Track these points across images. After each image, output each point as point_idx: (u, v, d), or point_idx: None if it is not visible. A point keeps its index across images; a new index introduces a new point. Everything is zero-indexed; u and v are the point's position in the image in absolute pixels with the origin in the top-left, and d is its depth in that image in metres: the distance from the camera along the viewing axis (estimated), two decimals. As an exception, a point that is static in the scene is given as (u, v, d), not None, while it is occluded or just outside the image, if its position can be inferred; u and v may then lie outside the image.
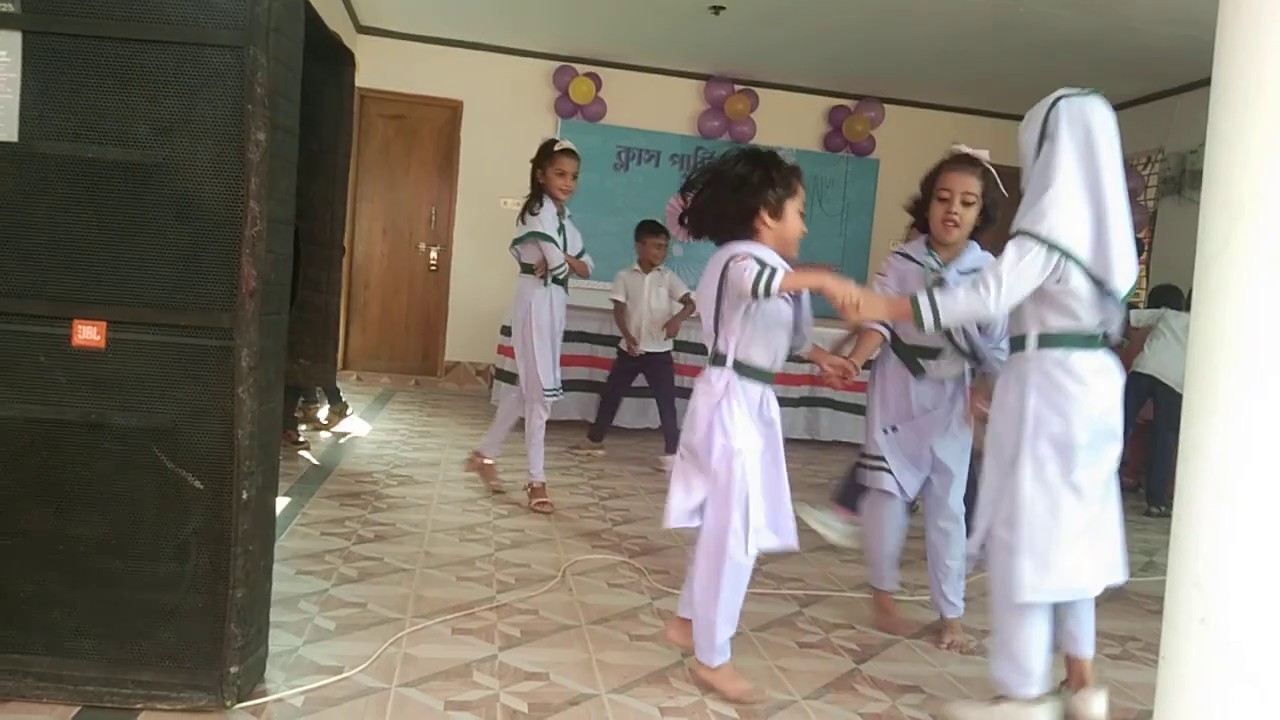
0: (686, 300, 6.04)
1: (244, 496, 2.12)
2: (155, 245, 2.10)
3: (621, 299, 6.08)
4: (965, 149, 2.95)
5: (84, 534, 2.13)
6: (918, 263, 3.07)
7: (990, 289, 2.26)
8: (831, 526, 3.59)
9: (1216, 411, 1.20)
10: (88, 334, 2.11)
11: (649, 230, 6.18)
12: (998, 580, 2.36)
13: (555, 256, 4.37)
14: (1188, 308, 5.56)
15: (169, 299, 2.11)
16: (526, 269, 4.45)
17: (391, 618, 2.88)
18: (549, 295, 4.42)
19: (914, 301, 2.37)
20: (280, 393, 2.36)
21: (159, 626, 2.15)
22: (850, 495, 3.59)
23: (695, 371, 6.41)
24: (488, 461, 4.72)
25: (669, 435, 5.74)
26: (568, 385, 6.60)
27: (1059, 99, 2.40)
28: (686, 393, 6.13)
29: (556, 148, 4.45)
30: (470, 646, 2.73)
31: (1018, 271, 2.24)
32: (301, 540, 3.61)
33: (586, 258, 4.65)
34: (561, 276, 4.44)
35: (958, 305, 2.32)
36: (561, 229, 4.44)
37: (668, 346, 6.12)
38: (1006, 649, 2.37)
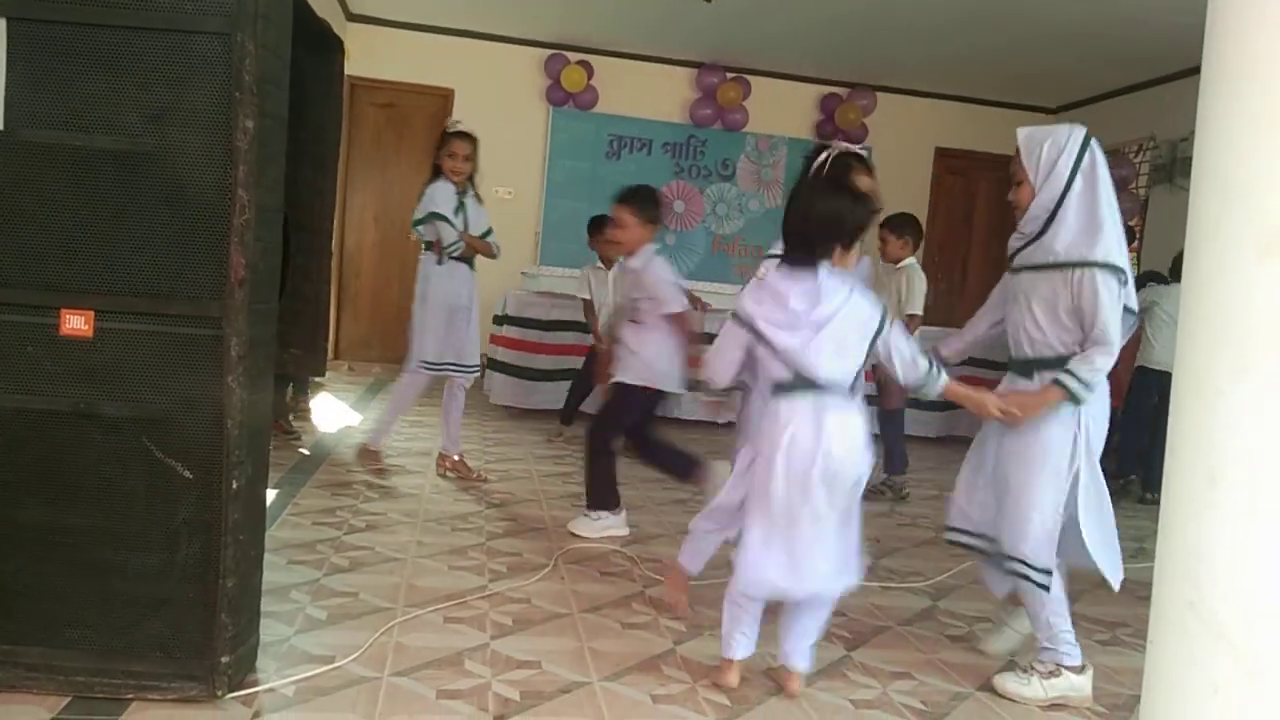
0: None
1: (234, 486, 2.12)
2: (143, 234, 2.09)
3: (588, 296, 6.02)
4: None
5: (74, 524, 2.12)
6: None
7: (1110, 340, 2.50)
8: None
9: (1206, 395, 1.21)
10: (75, 323, 2.10)
11: (601, 226, 6.04)
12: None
13: (448, 235, 4.46)
14: (1175, 278, 5.53)
15: (157, 288, 2.10)
16: (428, 247, 4.54)
17: (383, 607, 2.88)
18: (448, 273, 4.48)
19: (1061, 384, 2.53)
20: (270, 382, 2.36)
21: (150, 616, 2.15)
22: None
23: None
24: (456, 458, 4.74)
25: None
26: (560, 375, 6.62)
27: (1090, 137, 2.62)
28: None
29: (449, 129, 4.56)
30: (462, 635, 2.73)
31: (1116, 308, 2.50)
32: (293, 530, 3.60)
33: (493, 239, 4.73)
34: (456, 254, 4.50)
35: (1098, 371, 2.52)
36: (461, 209, 4.51)
37: None
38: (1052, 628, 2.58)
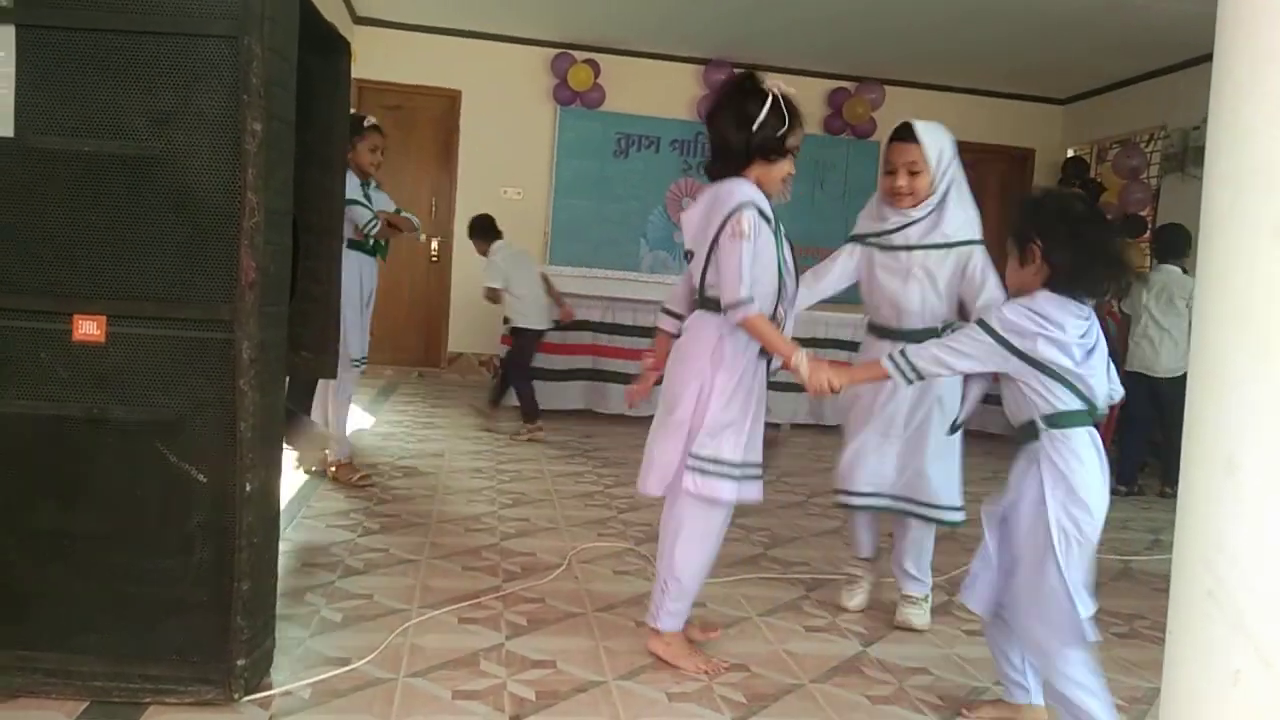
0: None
1: (247, 489, 2.12)
2: (153, 238, 2.09)
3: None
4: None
5: (89, 529, 2.13)
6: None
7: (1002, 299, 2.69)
8: None
9: (1223, 382, 1.19)
10: (88, 329, 2.10)
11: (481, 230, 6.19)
12: None
13: (362, 216, 4.49)
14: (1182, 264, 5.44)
15: (168, 292, 2.10)
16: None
17: (398, 608, 2.88)
18: (356, 264, 4.47)
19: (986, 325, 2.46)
20: (283, 385, 2.36)
21: (165, 620, 2.15)
22: None
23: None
24: (344, 462, 4.49)
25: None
26: (574, 375, 6.62)
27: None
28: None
29: (367, 124, 4.57)
30: (477, 636, 2.73)
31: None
32: (307, 533, 3.61)
33: (406, 214, 4.88)
34: (374, 232, 4.54)
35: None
36: (367, 198, 4.57)
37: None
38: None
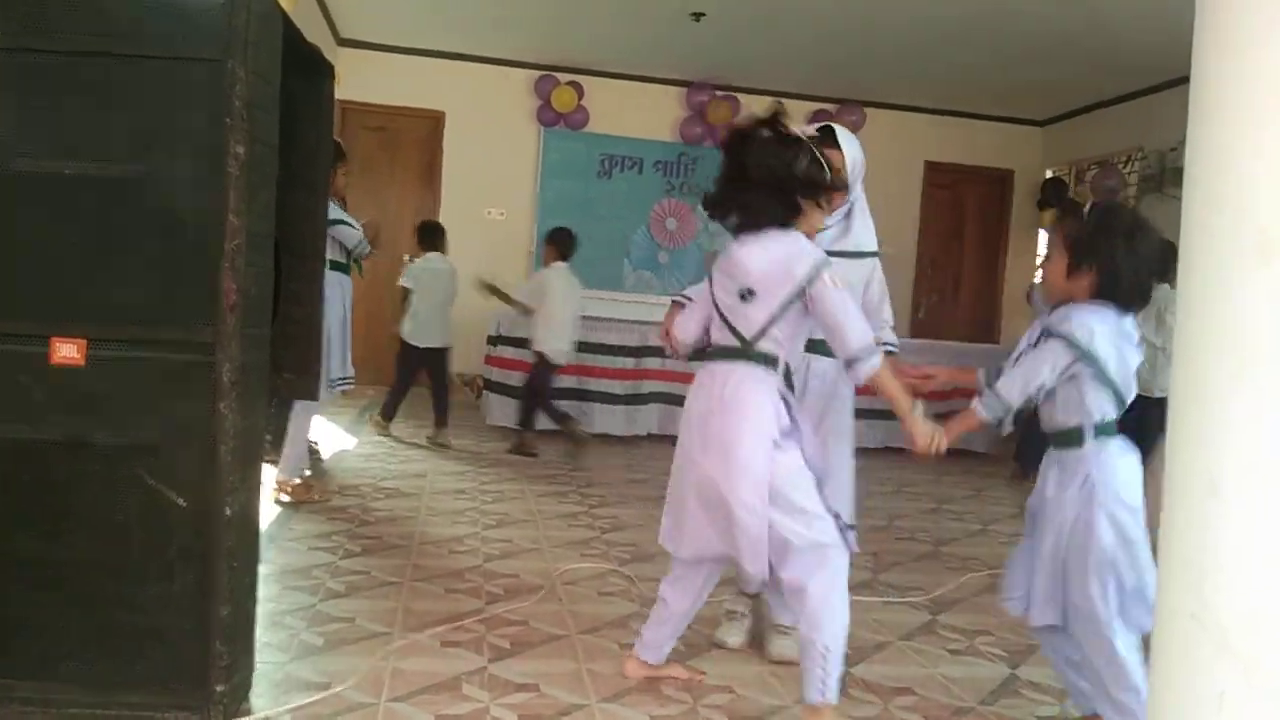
0: None
1: (228, 513, 2.10)
2: (134, 261, 2.09)
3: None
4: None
5: (67, 556, 2.11)
6: None
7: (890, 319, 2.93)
8: None
9: (1205, 402, 1.20)
10: (67, 352, 2.09)
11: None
12: None
13: (351, 236, 4.63)
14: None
15: (149, 315, 2.09)
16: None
17: (379, 632, 2.86)
18: (336, 283, 4.49)
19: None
20: (264, 408, 2.35)
21: (145, 647, 2.13)
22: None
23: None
24: (296, 482, 4.45)
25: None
26: (555, 394, 6.61)
27: None
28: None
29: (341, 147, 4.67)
30: (460, 659, 2.71)
31: None
32: (288, 555, 3.58)
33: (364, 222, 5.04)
34: (363, 252, 4.73)
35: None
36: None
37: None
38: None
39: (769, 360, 2.40)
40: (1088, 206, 2.52)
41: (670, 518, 2.62)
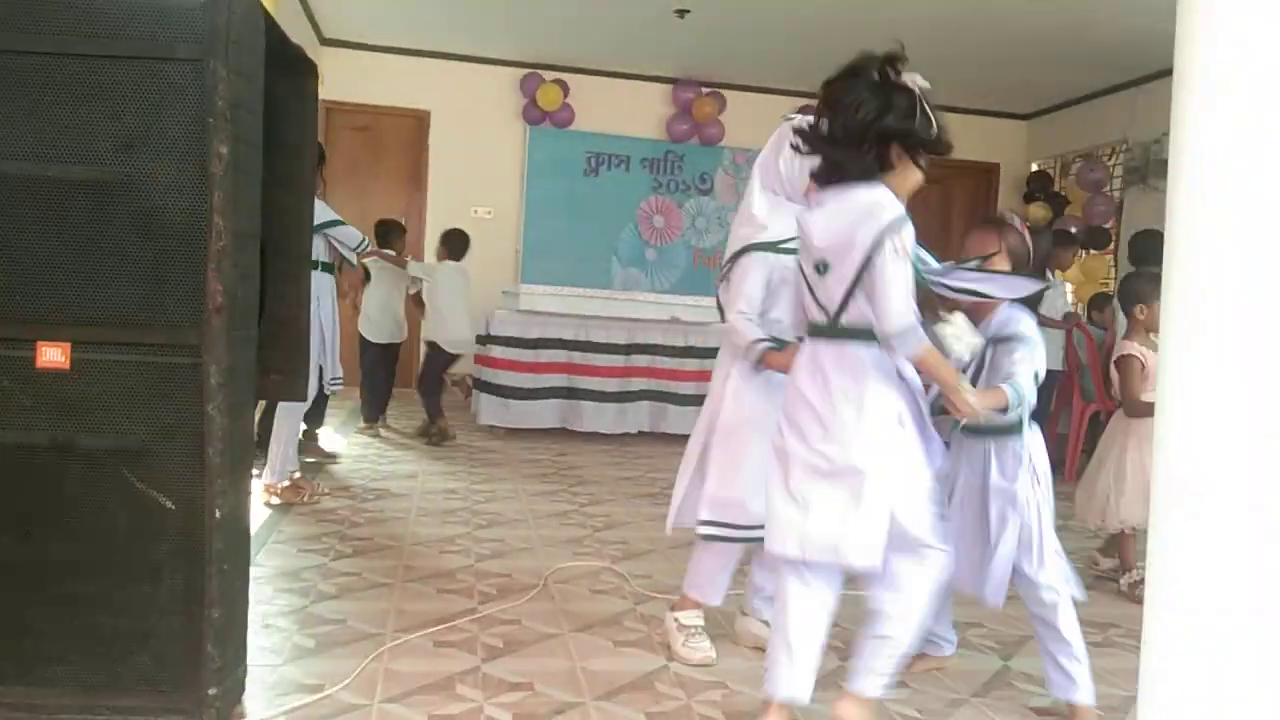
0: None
1: (217, 515, 2.09)
2: (119, 263, 2.07)
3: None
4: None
5: (54, 559, 2.09)
6: None
7: None
8: None
9: (1191, 396, 1.21)
10: (52, 355, 2.07)
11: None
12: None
13: (353, 235, 4.68)
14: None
15: (134, 317, 2.08)
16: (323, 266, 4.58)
17: (372, 633, 2.85)
18: (319, 285, 4.47)
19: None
20: (252, 409, 2.34)
21: (134, 650, 2.11)
22: None
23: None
24: (285, 485, 4.44)
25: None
26: (546, 393, 6.61)
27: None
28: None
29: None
30: (453, 659, 2.70)
31: None
32: (279, 558, 3.56)
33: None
34: (365, 249, 4.89)
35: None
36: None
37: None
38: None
39: (868, 335, 2.16)
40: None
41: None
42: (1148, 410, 3.73)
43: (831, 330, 2.21)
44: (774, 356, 2.62)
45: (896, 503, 2.14)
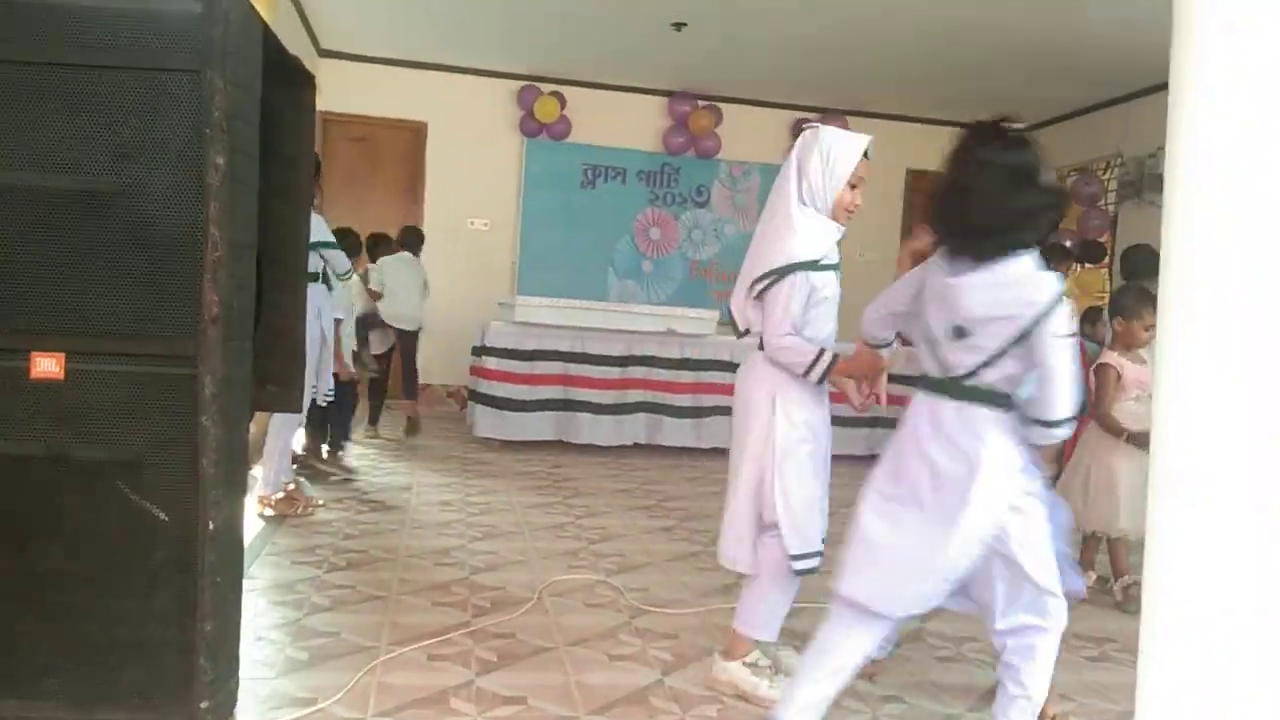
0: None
1: (210, 527, 2.08)
2: (114, 274, 2.06)
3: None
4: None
5: (48, 570, 2.08)
6: None
7: None
8: None
9: (1188, 405, 1.21)
10: (46, 366, 2.06)
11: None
12: None
13: (343, 262, 4.75)
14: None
15: (129, 328, 2.07)
16: (309, 278, 4.39)
17: (365, 646, 2.83)
18: (315, 299, 4.47)
19: None
20: (247, 420, 2.33)
21: (127, 663, 2.10)
22: None
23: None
24: (279, 497, 4.43)
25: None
26: (541, 405, 6.60)
27: None
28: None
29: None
30: (446, 673, 2.69)
31: None
32: (272, 570, 3.55)
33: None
34: (348, 279, 4.94)
35: None
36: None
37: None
38: None
39: (994, 398, 2.13)
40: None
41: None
42: (1114, 427, 3.80)
43: (953, 389, 2.16)
44: (843, 365, 2.59)
45: (1022, 554, 2.13)
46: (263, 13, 2.26)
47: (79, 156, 2.04)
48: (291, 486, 4.50)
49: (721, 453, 7.06)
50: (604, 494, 5.34)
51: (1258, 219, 1.14)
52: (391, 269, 6.75)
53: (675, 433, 6.82)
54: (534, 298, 7.24)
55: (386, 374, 6.96)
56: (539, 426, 6.60)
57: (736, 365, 6.96)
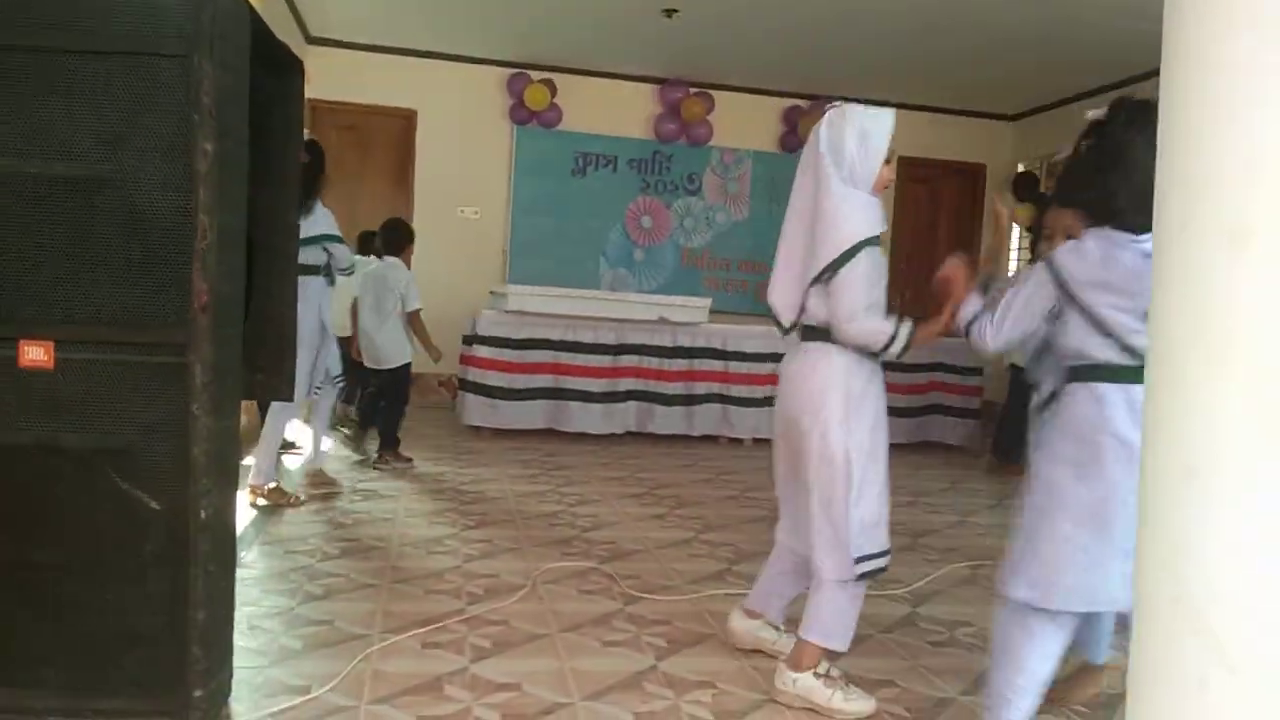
0: None
1: (202, 515, 2.07)
2: (103, 261, 2.05)
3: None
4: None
5: (39, 560, 2.07)
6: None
7: None
8: None
9: (1180, 389, 1.21)
10: (35, 355, 2.05)
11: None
12: None
13: (346, 257, 4.77)
14: None
15: (119, 315, 2.05)
16: (310, 270, 4.42)
17: (359, 634, 2.83)
18: (316, 291, 4.54)
19: None
20: (238, 408, 2.32)
21: (120, 652, 2.09)
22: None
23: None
24: (271, 486, 4.43)
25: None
26: (533, 394, 6.59)
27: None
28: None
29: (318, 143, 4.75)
30: (441, 660, 2.69)
31: None
32: (266, 559, 3.54)
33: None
34: (349, 274, 4.98)
35: None
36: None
37: None
38: None
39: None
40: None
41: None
42: None
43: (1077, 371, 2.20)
44: (922, 328, 2.54)
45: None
46: (251, 0, 2.24)
47: (67, 143, 2.02)
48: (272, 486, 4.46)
49: (712, 440, 7.12)
50: (596, 482, 5.35)
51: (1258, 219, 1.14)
52: (358, 287, 5.60)
53: (667, 420, 6.83)
54: (526, 286, 7.23)
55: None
56: (530, 415, 6.60)
57: (728, 353, 7.07)
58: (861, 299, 2.49)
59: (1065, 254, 2.20)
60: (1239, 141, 1.15)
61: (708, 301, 7.30)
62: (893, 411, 2.79)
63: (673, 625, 3.09)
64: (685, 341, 6.87)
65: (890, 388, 2.74)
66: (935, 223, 9.59)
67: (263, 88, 2.36)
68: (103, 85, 2.02)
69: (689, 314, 7.13)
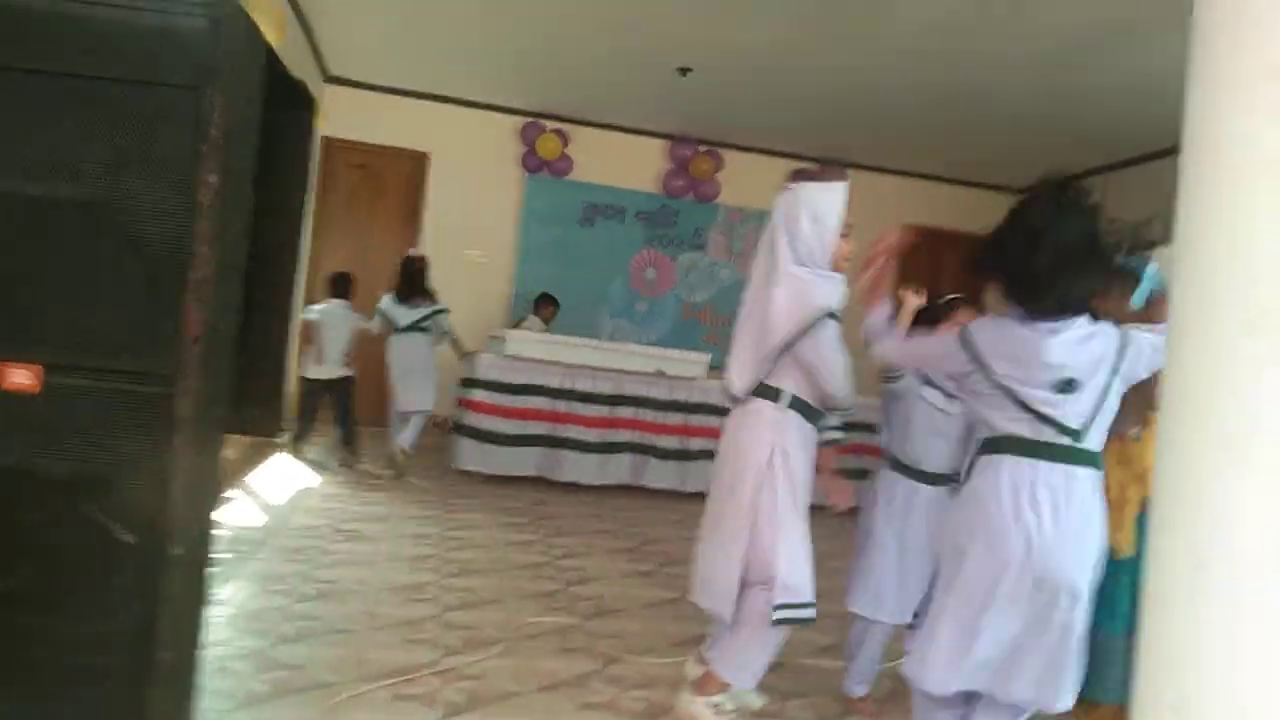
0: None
1: (176, 552, 2.01)
2: (96, 287, 2.01)
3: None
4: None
5: (2, 587, 2.01)
6: None
7: None
8: None
9: (1192, 478, 1.18)
10: (20, 378, 2.01)
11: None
12: None
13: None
14: None
15: (109, 342, 2.02)
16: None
17: (329, 681, 2.75)
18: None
19: None
20: (220, 445, 2.27)
21: (76, 689, 2.02)
22: None
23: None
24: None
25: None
26: (525, 440, 6.53)
27: None
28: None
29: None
30: (411, 713, 2.61)
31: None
32: (242, 596, 3.47)
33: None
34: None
35: None
36: None
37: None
38: None
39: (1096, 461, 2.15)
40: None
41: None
42: None
43: (1070, 455, 2.12)
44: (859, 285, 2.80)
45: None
46: (271, 37, 2.25)
47: (70, 167, 2.00)
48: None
49: (705, 497, 6.96)
50: (585, 534, 5.27)
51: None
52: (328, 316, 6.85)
53: (660, 474, 6.76)
54: (525, 332, 7.20)
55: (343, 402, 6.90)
56: (523, 462, 6.53)
57: (724, 409, 6.98)
58: (837, 359, 2.64)
59: (978, 327, 2.27)
60: (1258, 222, 1.13)
61: (707, 357, 7.26)
62: (848, 473, 2.93)
63: (653, 689, 3.01)
64: (682, 396, 6.83)
65: (843, 450, 2.90)
66: (937, 292, 9.61)
67: (274, 122, 2.35)
68: (111, 112, 2.00)
69: (687, 368, 7.10)
